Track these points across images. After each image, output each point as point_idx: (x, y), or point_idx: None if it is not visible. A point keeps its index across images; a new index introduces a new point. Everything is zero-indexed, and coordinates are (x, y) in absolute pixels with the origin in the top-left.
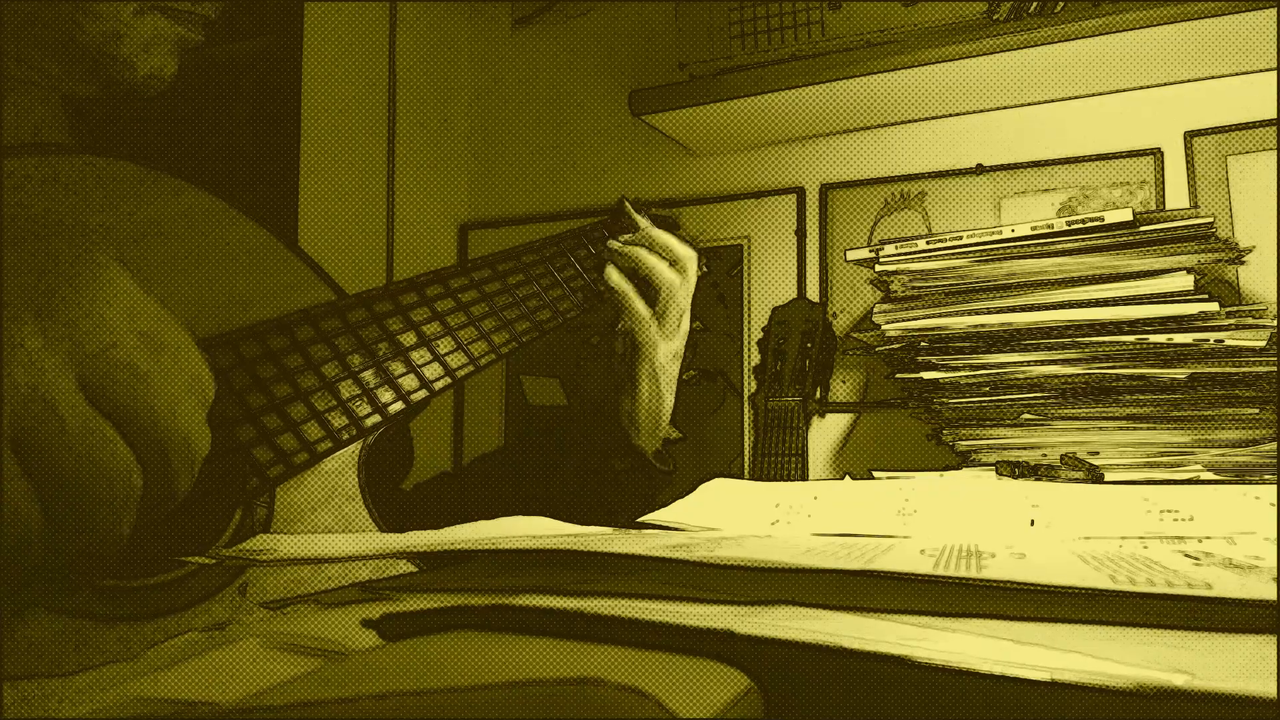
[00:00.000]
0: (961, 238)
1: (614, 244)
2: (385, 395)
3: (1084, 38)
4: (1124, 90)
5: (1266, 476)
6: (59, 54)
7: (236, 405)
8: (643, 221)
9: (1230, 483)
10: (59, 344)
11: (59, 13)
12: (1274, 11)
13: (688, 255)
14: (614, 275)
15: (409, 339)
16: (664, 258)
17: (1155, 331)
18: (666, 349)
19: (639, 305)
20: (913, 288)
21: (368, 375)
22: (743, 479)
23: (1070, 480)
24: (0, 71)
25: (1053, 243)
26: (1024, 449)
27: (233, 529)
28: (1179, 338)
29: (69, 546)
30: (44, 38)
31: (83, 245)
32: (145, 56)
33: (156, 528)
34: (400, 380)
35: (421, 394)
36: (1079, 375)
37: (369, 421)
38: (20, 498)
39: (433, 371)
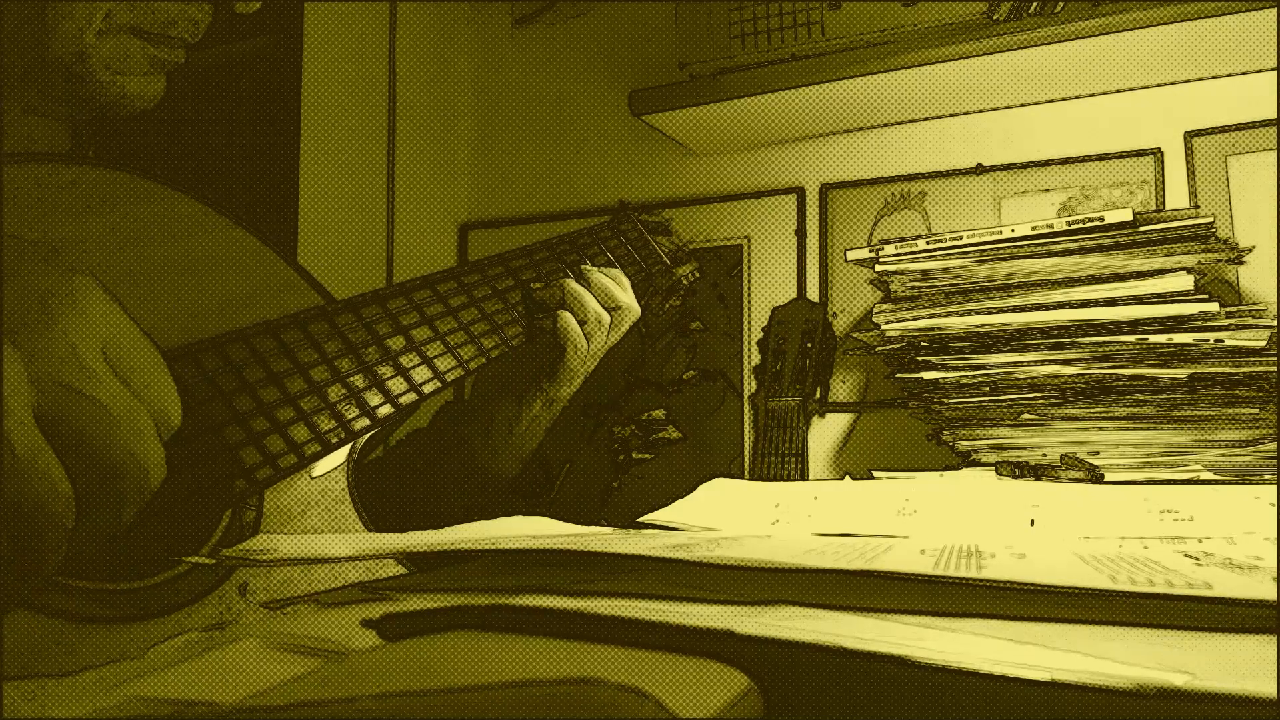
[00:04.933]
0: (961, 238)
1: (570, 285)
2: (374, 398)
3: (1084, 38)
4: (1124, 90)
5: (1266, 476)
6: (30, 74)
7: (224, 407)
8: (596, 277)
9: (1230, 483)
10: (21, 369)
11: (27, 32)
12: (1274, 11)
13: (627, 308)
14: (570, 283)
15: (398, 343)
16: (605, 307)
17: (1155, 331)
18: (568, 387)
19: (578, 336)
20: (913, 288)
21: (356, 379)
22: (743, 479)
23: (1070, 480)
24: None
25: (1053, 243)
26: (1024, 449)
27: (221, 531)
28: (1179, 338)
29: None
30: (16, 57)
31: (61, 268)
32: (115, 77)
33: (148, 530)
34: (389, 383)
35: (410, 397)
36: (1079, 375)
37: (357, 425)
38: None
39: (421, 375)
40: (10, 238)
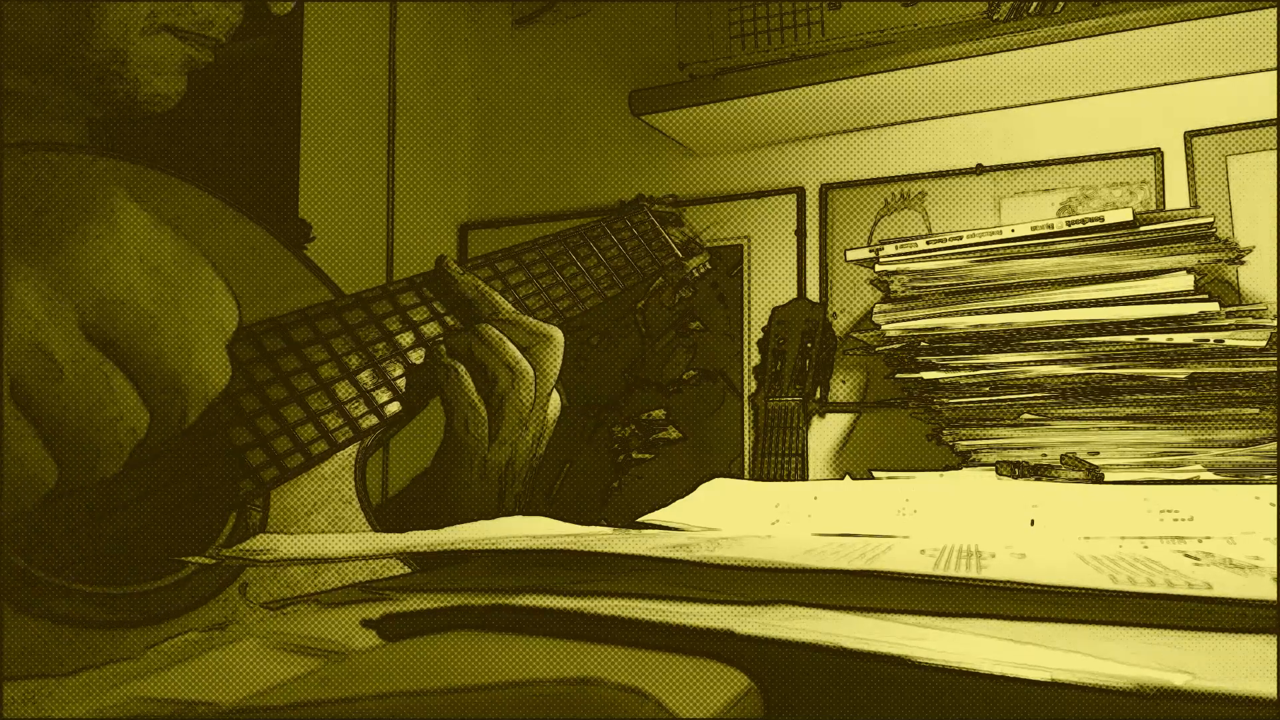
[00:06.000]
0: (961, 238)
1: (483, 330)
2: (382, 396)
3: (1084, 38)
4: (1124, 90)
5: (1266, 476)
6: (66, 72)
7: (230, 407)
8: (497, 301)
9: (1230, 483)
10: (58, 289)
11: (66, 30)
12: (1274, 11)
13: (545, 335)
14: (444, 349)
15: (407, 339)
16: (514, 340)
17: (1155, 331)
18: (494, 455)
19: (470, 392)
20: (913, 288)
21: (365, 377)
22: (743, 479)
23: (1070, 480)
24: (1, 80)
25: (1053, 243)
26: (1024, 449)
27: (227, 533)
28: (1179, 338)
29: (71, 485)
30: (51, 55)
31: (88, 182)
32: (152, 77)
33: (151, 533)
34: (398, 381)
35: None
36: (1079, 375)
37: (365, 423)
38: (22, 441)
39: None
40: (39, 155)
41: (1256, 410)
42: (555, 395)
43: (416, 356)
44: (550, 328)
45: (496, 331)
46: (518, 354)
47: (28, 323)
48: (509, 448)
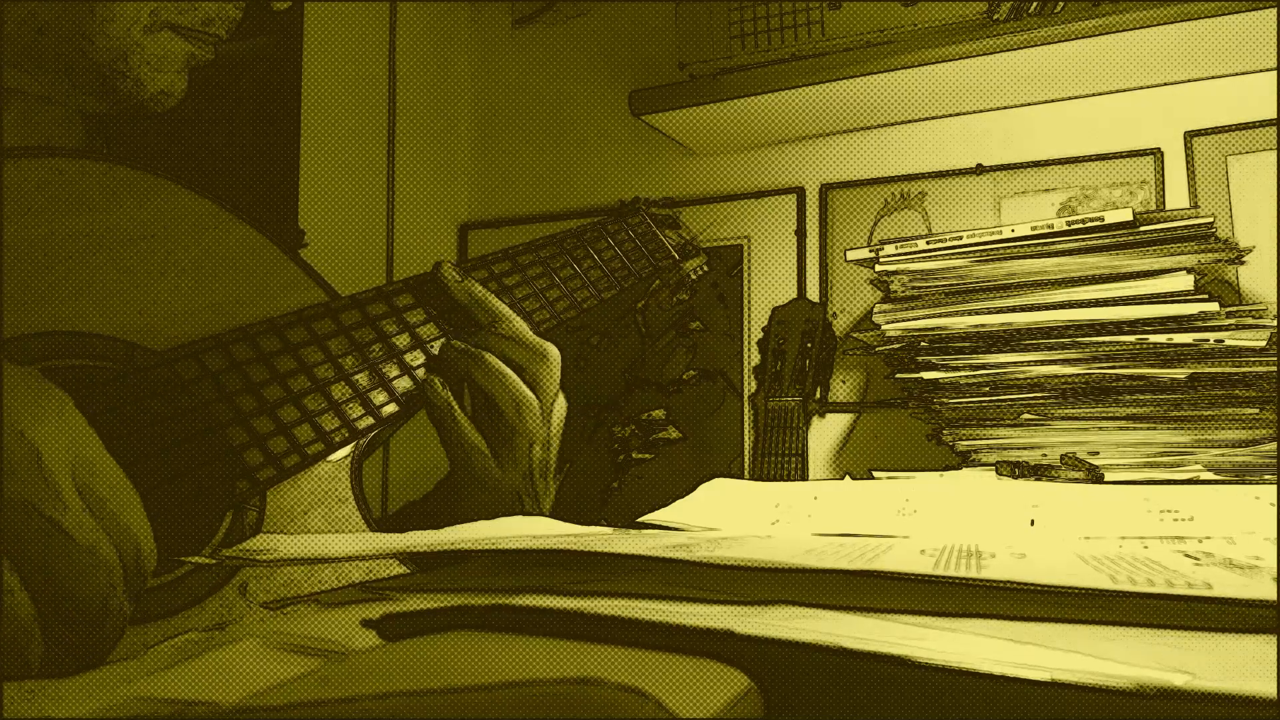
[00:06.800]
0: (961, 238)
1: (457, 345)
2: (379, 397)
3: (1084, 38)
4: (1124, 90)
5: (1266, 476)
6: (69, 70)
7: (227, 408)
8: (496, 308)
9: (1230, 483)
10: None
11: (69, 28)
12: (1274, 11)
13: (543, 354)
14: (438, 385)
15: (403, 341)
16: (512, 359)
17: (1155, 331)
18: (506, 478)
19: (468, 432)
20: (913, 288)
21: (361, 377)
22: (743, 479)
23: (1070, 480)
24: (0, 79)
25: (1053, 243)
26: (1024, 449)
27: (223, 532)
28: (1179, 338)
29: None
30: (53, 53)
31: (37, 380)
32: (155, 74)
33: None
34: (394, 382)
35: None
36: (1079, 375)
37: (361, 424)
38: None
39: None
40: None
41: (1256, 410)
42: (560, 400)
43: (413, 358)
44: (546, 345)
45: (499, 363)
46: (522, 386)
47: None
48: (522, 468)
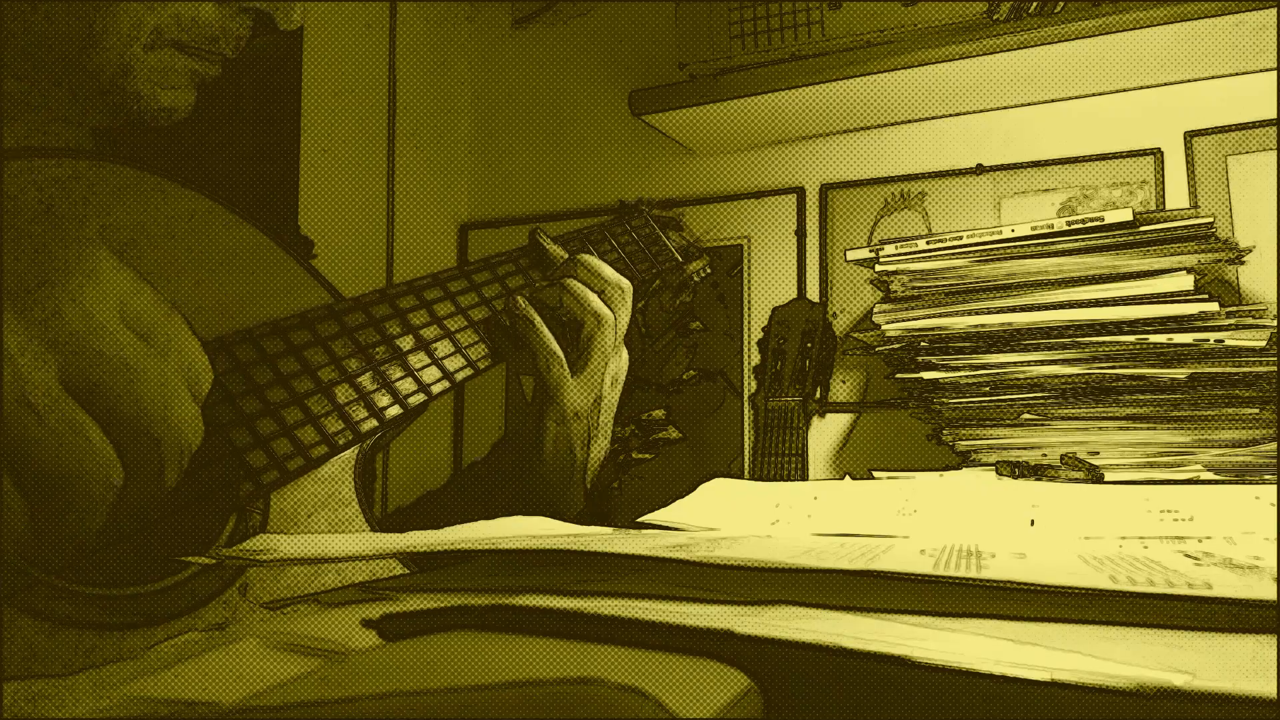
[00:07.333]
0: (961, 238)
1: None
2: (382, 399)
3: (1084, 38)
4: (1124, 90)
5: (1266, 476)
6: (71, 83)
7: (230, 410)
8: (560, 252)
9: (1230, 483)
10: (40, 338)
11: (68, 43)
12: (1274, 11)
13: (619, 285)
14: (521, 302)
15: (407, 343)
16: (592, 288)
17: (1155, 331)
18: (579, 394)
19: (548, 339)
20: (913, 288)
21: (365, 379)
22: (743, 479)
23: (1070, 480)
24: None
25: (1053, 243)
26: (1024, 449)
27: (227, 535)
28: (1179, 338)
29: (49, 542)
30: (56, 65)
31: (73, 236)
32: (159, 91)
33: (149, 534)
34: (398, 384)
35: (419, 398)
36: (1079, 375)
37: (365, 426)
38: (4, 494)
39: (430, 375)
40: (25, 210)
41: (1256, 410)
42: (623, 349)
43: (416, 360)
44: (621, 277)
45: (580, 285)
46: (601, 304)
47: (10, 369)
48: (593, 390)
